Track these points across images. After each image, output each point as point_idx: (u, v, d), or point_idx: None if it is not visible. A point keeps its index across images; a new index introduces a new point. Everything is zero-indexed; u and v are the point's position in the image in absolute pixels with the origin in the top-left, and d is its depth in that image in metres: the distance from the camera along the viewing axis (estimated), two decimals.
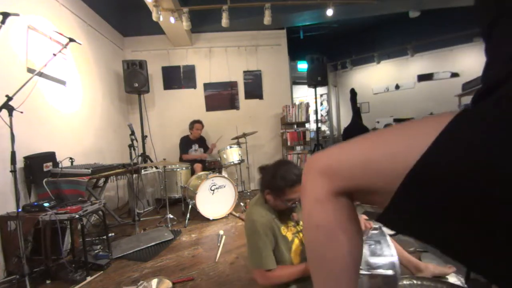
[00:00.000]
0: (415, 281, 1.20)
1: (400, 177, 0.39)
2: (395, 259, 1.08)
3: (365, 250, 1.10)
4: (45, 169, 2.44)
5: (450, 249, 0.42)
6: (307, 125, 4.89)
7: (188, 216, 3.25)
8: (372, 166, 0.43)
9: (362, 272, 1.02)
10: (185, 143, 4.37)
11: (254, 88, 5.17)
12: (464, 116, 0.37)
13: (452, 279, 1.49)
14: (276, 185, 1.31)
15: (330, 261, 0.49)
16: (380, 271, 1.02)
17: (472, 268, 0.45)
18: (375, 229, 1.33)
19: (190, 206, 3.39)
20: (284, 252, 1.36)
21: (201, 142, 4.49)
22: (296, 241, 1.41)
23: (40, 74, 2.43)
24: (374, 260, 1.07)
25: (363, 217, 1.38)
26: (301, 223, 1.47)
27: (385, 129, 0.46)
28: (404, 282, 1.10)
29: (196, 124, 4.36)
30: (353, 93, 5.86)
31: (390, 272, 1.02)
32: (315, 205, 0.48)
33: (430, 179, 0.37)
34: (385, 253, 1.11)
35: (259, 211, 1.39)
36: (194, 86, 5.02)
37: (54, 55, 2.16)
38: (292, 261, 1.38)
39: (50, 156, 2.54)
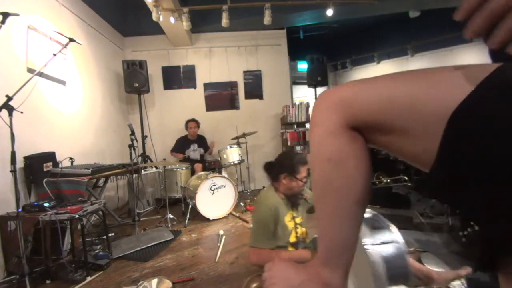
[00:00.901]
0: None
1: (427, 118, 0.36)
2: (395, 229, 1.12)
3: (366, 226, 1.15)
4: (45, 169, 2.44)
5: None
6: (307, 125, 4.88)
7: (188, 216, 3.25)
8: (396, 100, 0.40)
9: (370, 244, 1.05)
10: (182, 143, 4.38)
11: (254, 88, 5.17)
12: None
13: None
14: (292, 165, 1.51)
15: (338, 194, 0.46)
16: (389, 239, 1.06)
17: None
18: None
19: (190, 206, 3.39)
20: (279, 238, 1.51)
21: (201, 141, 4.48)
22: (294, 233, 1.56)
23: (40, 74, 2.42)
24: (379, 232, 1.11)
25: None
26: (299, 218, 1.62)
27: (415, 70, 0.43)
28: None
29: (189, 122, 4.36)
30: None
31: (397, 239, 1.06)
32: (327, 137, 0.46)
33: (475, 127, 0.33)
34: (384, 226, 1.15)
35: (269, 195, 1.58)
36: (194, 86, 5.02)
37: (54, 55, 2.16)
38: (286, 249, 1.53)
39: (50, 156, 2.54)
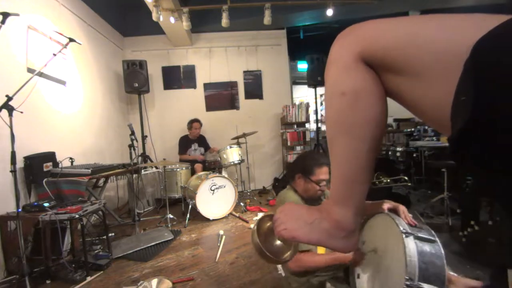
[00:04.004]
0: None
1: (444, 58, 0.34)
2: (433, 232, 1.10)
3: (406, 224, 1.14)
4: (45, 169, 2.44)
5: None
6: (307, 125, 4.89)
7: (188, 216, 3.25)
8: (411, 39, 0.38)
9: (409, 233, 1.03)
10: (184, 143, 4.38)
11: (254, 88, 5.17)
12: None
13: None
14: (307, 166, 1.45)
15: (351, 130, 0.45)
16: (429, 237, 1.04)
17: None
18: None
19: (190, 206, 3.39)
20: None
21: (201, 141, 4.49)
22: None
23: (40, 74, 2.43)
24: (418, 229, 1.09)
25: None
26: None
27: (436, 14, 0.41)
28: None
29: (194, 123, 4.37)
30: None
31: (437, 240, 1.04)
32: (341, 72, 0.45)
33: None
34: (423, 227, 1.15)
35: (290, 195, 1.49)
36: (194, 86, 5.02)
37: (54, 55, 2.16)
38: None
39: (50, 156, 2.54)
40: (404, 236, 1.00)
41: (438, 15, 0.38)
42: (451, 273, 1.42)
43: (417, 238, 1.02)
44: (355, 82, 0.44)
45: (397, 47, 0.40)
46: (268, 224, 0.79)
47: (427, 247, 1.01)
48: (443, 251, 1.02)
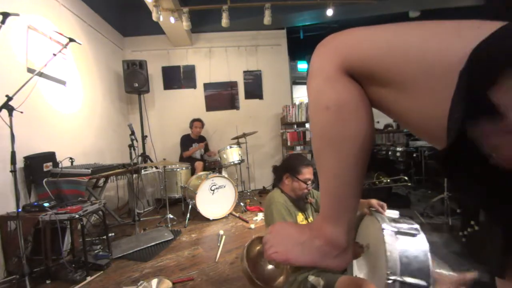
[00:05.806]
0: None
1: (433, 69, 0.32)
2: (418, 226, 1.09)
3: (387, 220, 1.13)
4: (45, 169, 2.44)
5: None
6: (307, 125, 4.88)
7: (188, 216, 3.25)
8: (394, 49, 0.36)
9: (388, 230, 1.02)
10: (186, 142, 4.39)
11: (254, 88, 5.17)
12: None
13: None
14: (294, 166, 1.56)
15: (338, 144, 0.43)
16: (411, 231, 1.04)
17: None
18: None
19: (190, 206, 3.39)
20: None
21: (201, 141, 4.51)
22: None
23: (40, 74, 2.42)
24: (400, 223, 1.09)
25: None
26: (310, 218, 1.60)
27: (420, 21, 0.37)
28: None
29: (195, 122, 4.40)
30: None
31: (420, 233, 1.04)
32: (323, 85, 0.43)
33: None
34: (406, 221, 1.15)
35: (278, 195, 1.57)
36: (194, 86, 5.03)
37: (54, 55, 2.16)
38: None
39: (50, 156, 2.54)
40: (383, 231, 1.01)
41: (422, 22, 0.36)
42: (436, 270, 1.41)
43: (399, 233, 1.03)
44: (339, 95, 0.42)
45: (376, 57, 0.38)
46: (259, 247, 0.72)
47: (409, 242, 1.01)
48: (427, 244, 1.02)
